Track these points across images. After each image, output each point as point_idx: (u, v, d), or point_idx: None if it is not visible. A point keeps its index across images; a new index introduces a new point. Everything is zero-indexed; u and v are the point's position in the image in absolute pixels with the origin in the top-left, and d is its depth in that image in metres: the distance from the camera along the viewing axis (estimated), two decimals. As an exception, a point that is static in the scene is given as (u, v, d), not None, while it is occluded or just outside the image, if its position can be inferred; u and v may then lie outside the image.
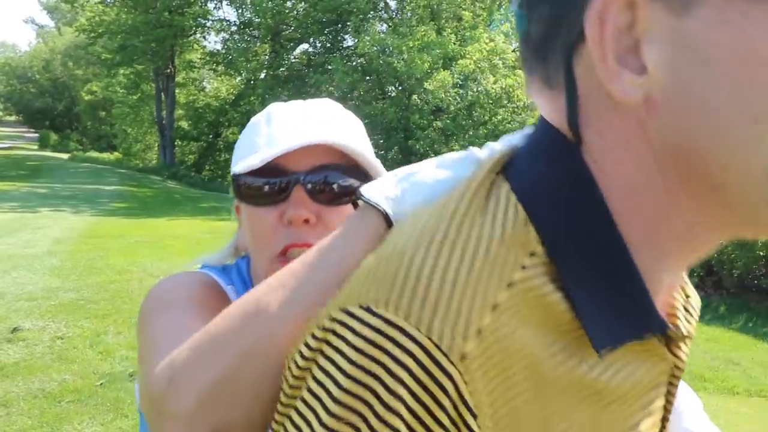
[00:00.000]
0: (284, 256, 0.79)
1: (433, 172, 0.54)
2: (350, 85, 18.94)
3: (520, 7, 0.45)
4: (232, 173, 0.84)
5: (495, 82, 16.73)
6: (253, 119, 0.88)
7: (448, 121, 16.97)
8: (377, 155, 0.84)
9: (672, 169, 0.40)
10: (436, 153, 18.14)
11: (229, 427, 0.52)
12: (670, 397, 0.51)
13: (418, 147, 17.34)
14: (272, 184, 0.80)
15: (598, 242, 0.42)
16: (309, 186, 0.80)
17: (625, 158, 0.41)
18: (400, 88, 19.02)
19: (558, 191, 0.43)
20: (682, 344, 0.50)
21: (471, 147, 0.56)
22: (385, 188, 0.54)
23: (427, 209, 0.46)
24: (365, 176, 0.82)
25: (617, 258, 0.42)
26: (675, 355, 0.49)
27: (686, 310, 0.52)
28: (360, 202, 0.55)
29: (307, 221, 0.79)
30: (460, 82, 16.95)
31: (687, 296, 0.54)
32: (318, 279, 0.52)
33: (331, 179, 0.81)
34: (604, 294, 0.42)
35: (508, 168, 0.46)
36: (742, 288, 8.47)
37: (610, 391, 0.43)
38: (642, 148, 0.41)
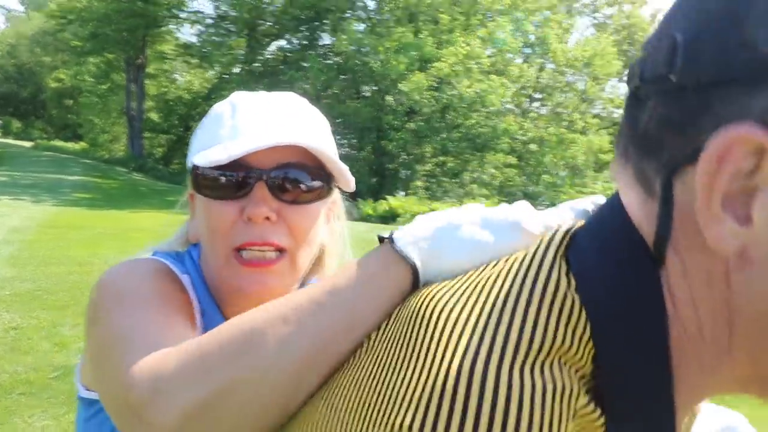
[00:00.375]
0: (241, 252, 0.78)
1: (475, 230, 0.49)
2: (325, 83, 18.87)
3: (639, 80, 0.40)
4: (190, 163, 0.80)
5: (469, 86, 16.81)
6: (216, 108, 0.85)
7: (422, 123, 17.03)
8: (350, 154, 0.81)
9: (743, 327, 0.37)
10: (409, 154, 18.32)
11: None
12: None
13: (390, 147, 17.37)
14: (233, 178, 0.78)
15: (650, 382, 0.39)
16: (272, 183, 0.77)
17: (701, 302, 0.38)
18: (375, 88, 19.07)
19: (628, 310, 0.39)
20: None
21: (517, 203, 0.52)
22: (418, 236, 0.50)
23: (471, 296, 0.41)
24: (328, 176, 0.81)
25: (664, 403, 0.39)
26: None
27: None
28: (387, 246, 0.50)
29: (267, 219, 0.77)
30: (435, 85, 17.02)
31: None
32: (324, 324, 0.49)
33: (295, 178, 0.79)
34: (638, 427, 0.40)
35: (572, 249, 0.42)
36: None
37: None
38: (721, 298, 0.37)
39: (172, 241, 0.91)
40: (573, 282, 0.40)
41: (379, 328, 0.46)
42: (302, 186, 0.79)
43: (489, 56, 17.98)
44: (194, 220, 0.87)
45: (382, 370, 0.41)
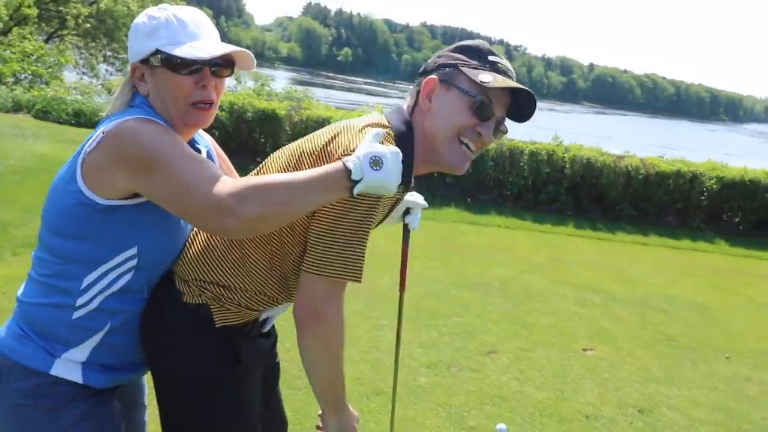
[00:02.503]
0: (194, 106, 1.36)
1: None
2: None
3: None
4: (159, 49, 1.33)
5: None
6: (159, 15, 1.36)
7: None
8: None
9: (428, 139, 1.44)
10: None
11: (256, 231, 1.32)
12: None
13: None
14: (195, 62, 1.34)
15: (409, 154, 1.38)
16: (214, 69, 1.37)
17: (425, 125, 1.43)
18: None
19: (403, 133, 1.41)
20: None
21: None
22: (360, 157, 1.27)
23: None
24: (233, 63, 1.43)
25: (409, 151, 1.38)
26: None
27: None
28: (340, 163, 1.29)
29: (209, 86, 1.38)
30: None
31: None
32: (316, 188, 1.26)
33: (224, 66, 1.40)
34: (408, 170, 1.36)
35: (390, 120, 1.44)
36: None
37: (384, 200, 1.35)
38: (422, 127, 1.44)
39: (120, 106, 1.38)
40: (389, 126, 1.41)
41: None
42: (227, 70, 1.41)
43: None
44: (145, 85, 1.38)
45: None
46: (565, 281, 6.34)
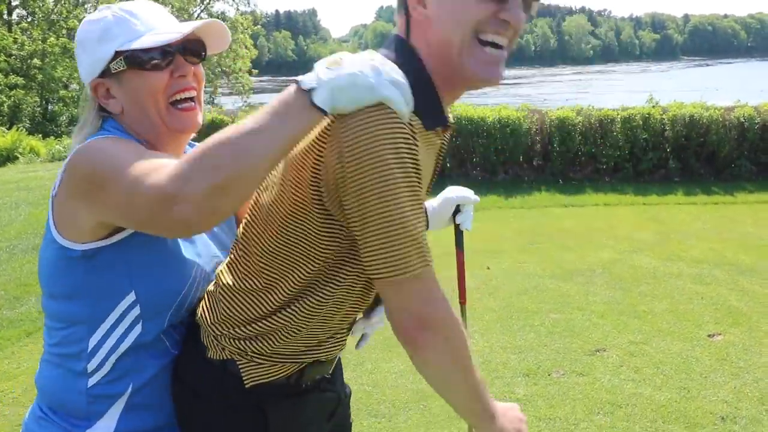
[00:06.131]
0: (175, 106, 1.20)
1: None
2: None
3: None
4: (119, 50, 1.15)
5: None
6: (104, 14, 1.19)
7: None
8: None
9: (433, 47, 1.06)
10: None
11: (221, 210, 0.97)
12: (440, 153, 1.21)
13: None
14: (165, 49, 1.17)
15: (424, 83, 1.06)
16: (187, 56, 1.21)
17: (430, 38, 1.07)
18: None
19: (400, 54, 1.07)
20: (448, 132, 1.17)
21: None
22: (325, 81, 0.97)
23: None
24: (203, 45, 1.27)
25: (429, 88, 1.07)
26: (444, 136, 1.17)
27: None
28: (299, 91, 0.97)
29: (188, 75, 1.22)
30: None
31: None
32: (281, 132, 0.96)
33: (196, 50, 1.24)
34: (429, 105, 1.06)
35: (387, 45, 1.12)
36: None
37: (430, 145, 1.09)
38: (427, 43, 1.07)
39: (90, 127, 1.22)
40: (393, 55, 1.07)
41: None
42: (200, 54, 1.25)
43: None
44: (115, 100, 1.20)
45: None
46: (678, 257, 5.66)
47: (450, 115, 1.17)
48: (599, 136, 8.84)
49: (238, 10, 28.78)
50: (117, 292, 1.16)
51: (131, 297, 1.16)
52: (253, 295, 1.12)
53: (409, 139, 0.94)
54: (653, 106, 9.19)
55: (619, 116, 8.80)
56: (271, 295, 1.10)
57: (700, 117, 8.61)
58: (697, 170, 8.86)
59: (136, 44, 1.14)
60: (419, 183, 0.96)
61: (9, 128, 13.57)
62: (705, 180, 8.77)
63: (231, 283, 1.14)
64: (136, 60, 1.15)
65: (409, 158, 0.94)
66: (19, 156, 11.09)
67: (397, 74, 0.96)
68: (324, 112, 0.94)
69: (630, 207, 7.74)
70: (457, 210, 1.61)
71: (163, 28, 1.19)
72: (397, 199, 0.93)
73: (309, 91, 0.93)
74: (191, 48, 1.21)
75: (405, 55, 1.06)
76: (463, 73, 1.06)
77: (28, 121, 16.44)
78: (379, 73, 0.94)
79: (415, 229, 0.95)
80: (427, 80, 1.06)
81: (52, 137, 14.03)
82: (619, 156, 8.81)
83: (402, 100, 0.94)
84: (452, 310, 1.01)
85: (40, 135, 14.17)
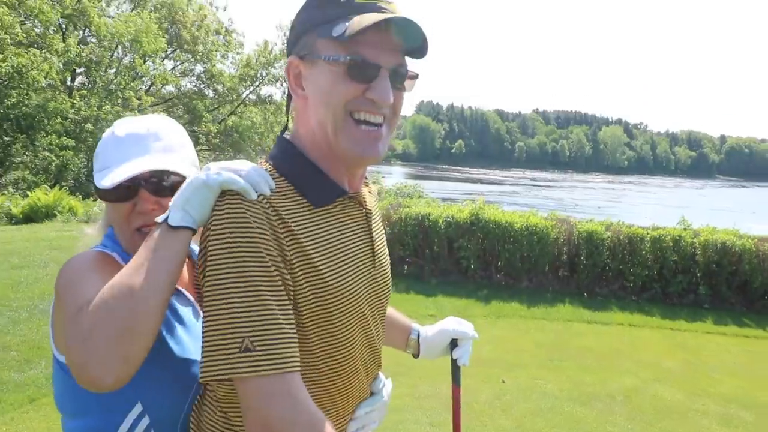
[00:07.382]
0: (139, 231, 1.26)
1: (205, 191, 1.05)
2: None
3: None
4: (95, 183, 1.26)
5: (3, 60, 15.36)
6: (106, 133, 1.31)
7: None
8: None
9: (314, 126, 1.12)
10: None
11: (131, 356, 0.96)
12: (371, 225, 1.23)
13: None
14: (123, 188, 1.24)
15: (298, 161, 1.13)
16: (151, 189, 1.26)
17: (310, 120, 1.12)
18: None
19: (278, 150, 1.16)
20: (367, 201, 1.22)
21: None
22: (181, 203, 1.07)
23: None
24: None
25: (310, 169, 1.12)
26: (366, 206, 1.22)
27: (368, 192, 1.30)
28: (164, 226, 1.06)
29: (155, 209, 1.25)
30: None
31: (369, 187, 1.33)
32: (164, 275, 1.01)
33: (167, 182, 1.26)
34: (313, 184, 1.11)
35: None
36: None
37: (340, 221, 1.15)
38: (310, 124, 1.12)
39: (99, 228, 1.37)
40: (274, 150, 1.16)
41: None
42: (171, 189, 1.25)
43: (23, 23, 16.55)
44: (107, 216, 1.33)
45: None
46: (705, 392, 5.37)
47: (369, 187, 1.28)
48: (627, 252, 8.72)
49: (285, 93, 30.19)
50: (123, 405, 1.15)
51: (138, 408, 1.15)
52: (217, 404, 1.10)
53: (258, 216, 0.99)
54: (684, 229, 9.08)
55: (648, 235, 8.70)
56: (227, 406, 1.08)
57: (732, 244, 8.46)
58: (729, 299, 8.58)
59: (103, 179, 1.22)
60: (277, 263, 0.98)
61: (52, 186, 14.07)
62: (736, 310, 8.47)
63: (202, 393, 1.15)
64: (100, 193, 1.27)
65: (258, 239, 0.97)
66: (57, 214, 11.42)
67: (238, 164, 1.03)
68: (190, 228, 1.03)
69: (656, 330, 7.47)
70: (454, 344, 1.56)
71: (134, 162, 1.22)
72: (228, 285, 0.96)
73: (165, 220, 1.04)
74: (155, 183, 1.25)
75: (280, 146, 1.15)
76: (337, 150, 1.10)
77: (72, 181, 17.06)
78: (207, 168, 1.02)
79: (261, 319, 0.94)
80: (305, 163, 1.12)
81: (91, 198, 14.51)
82: (647, 276, 8.63)
83: (236, 178, 1.00)
84: (302, 412, 0.94)
85: (81, 194, 14.66)
